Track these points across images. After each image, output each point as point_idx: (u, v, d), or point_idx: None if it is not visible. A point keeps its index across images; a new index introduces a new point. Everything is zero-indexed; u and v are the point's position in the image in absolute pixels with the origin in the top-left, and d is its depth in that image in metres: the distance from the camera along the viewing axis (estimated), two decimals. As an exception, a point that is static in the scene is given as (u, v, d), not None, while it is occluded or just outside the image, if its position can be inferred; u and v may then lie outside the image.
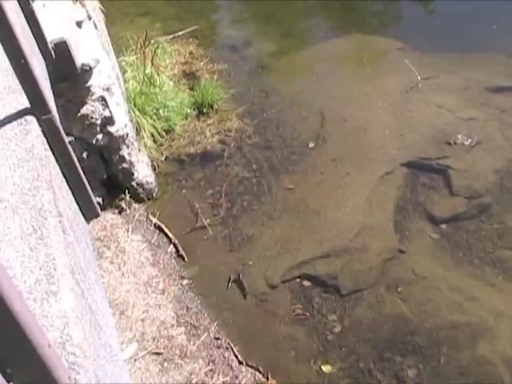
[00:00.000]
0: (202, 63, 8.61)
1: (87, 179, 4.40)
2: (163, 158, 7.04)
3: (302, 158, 7.02)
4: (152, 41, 7.95)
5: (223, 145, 7.22)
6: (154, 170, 6.87)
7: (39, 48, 4.40)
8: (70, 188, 4.03)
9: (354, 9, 10.10)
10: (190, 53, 8.85)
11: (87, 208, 4.47)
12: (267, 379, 5.00)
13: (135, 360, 4.93)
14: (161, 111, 7.21)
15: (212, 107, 7.69)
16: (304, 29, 9.74)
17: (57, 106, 4.22)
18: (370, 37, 9.32)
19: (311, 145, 7.17)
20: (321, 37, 9.39)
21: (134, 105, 6.85)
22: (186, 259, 5.95)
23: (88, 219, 4.86)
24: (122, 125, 5.89)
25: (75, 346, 2.30)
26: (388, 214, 6.24)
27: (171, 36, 9.01)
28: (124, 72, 7.27)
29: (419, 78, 7.94)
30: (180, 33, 9.21)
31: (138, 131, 6.73)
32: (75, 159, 4.14)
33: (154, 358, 4.97)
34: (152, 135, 7.04)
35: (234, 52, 9.10)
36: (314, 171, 6.80)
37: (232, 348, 5.20)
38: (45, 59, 4.46)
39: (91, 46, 5.35)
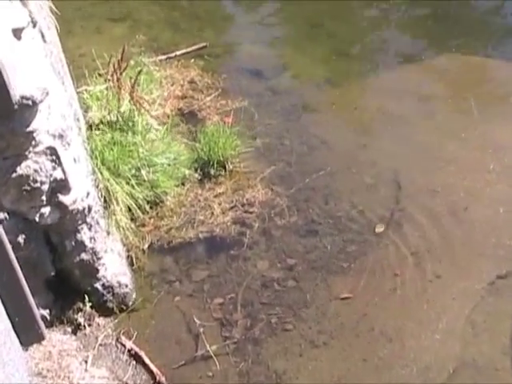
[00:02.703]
0: (208, 98, 8.78)
1: (26, 278, 4.41)
2: (146, 247, 7.08)
3: (365, 250, 7.02)
4: (132, 62, 8.08)
5: (241, 227, 7.27)
6: (132, 264, 6.90)
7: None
8: (-1, 293, 4.05)
9: (455, 15, 10.21)
10: (191, 81, 9.02)
11: (25, 325, 4.48)
12: None
13: None
14: (143, 172, 7.27)
15: (224, 167, 7.81)
16: (370, 46, 9.88)
17: (-20, 162, 4.28)
18: (478, 59, 9.42)
19: (379, 229, 7.21)
20: (397, 59, 9.50)
21: (102, 162, 6.90)
22: (177, 409, 5.93)
23: (26, 344, 4.85)
24: (81, 193, 5.93)
25: None
26: (502, 344, 6.16)
27: (164, 56, 9.16)
28: (87, 109, 7.36)
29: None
30: (178, 52, 9.37)
31: (107, 203, 6.77)
32: (8, 246, 4.16)
33: None
34: (129, 209, 7.09)
35: (260, 81, 9.26)
36: (383, 272, 6.79)
37: None
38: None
39: (36, 68, 5.41)
